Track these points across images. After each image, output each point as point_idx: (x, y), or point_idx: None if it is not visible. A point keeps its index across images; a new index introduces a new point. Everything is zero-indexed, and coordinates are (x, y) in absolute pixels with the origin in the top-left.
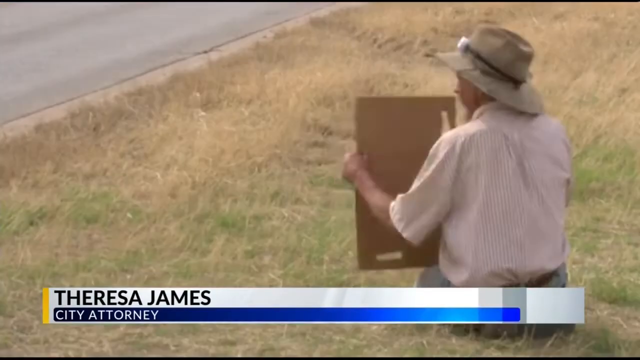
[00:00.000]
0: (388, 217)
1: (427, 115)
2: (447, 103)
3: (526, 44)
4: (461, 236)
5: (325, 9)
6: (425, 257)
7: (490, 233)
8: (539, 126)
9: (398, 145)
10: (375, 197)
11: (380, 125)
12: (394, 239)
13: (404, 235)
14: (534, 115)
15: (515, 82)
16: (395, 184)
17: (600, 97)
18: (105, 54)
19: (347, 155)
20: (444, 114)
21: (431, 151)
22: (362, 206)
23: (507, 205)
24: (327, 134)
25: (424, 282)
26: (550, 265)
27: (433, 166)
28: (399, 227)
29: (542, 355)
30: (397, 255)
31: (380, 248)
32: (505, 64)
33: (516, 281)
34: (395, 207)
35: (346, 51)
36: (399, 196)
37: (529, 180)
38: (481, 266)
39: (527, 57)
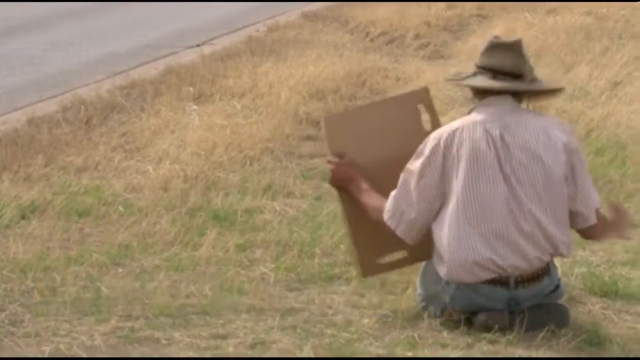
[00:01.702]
0: (385, 222)
1: (403, 113)
2: (420, 95)
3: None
4: (443, 228)
5: (318, 3)
6: (429, 251)
7: (471, 224)
8: (525, 121)
9: (380, 153)
10: (373, 200)
11: (356, 139)
12: (393, 239)
13: (397, 232)
14: (530, 114)
15: (494, 71)
16: (386, 190)
17: (592, 90)
18: (98, 47)
19: (334, 161)
20: (421, 107)
21: (419, 147)
22: (352, 213)
23: (487, 198)
24: (319, 127)
25: (422, 279)
26: (535, 262)
27: (419, 163)
28: (391, 224)
29: (533, 349)
30: (400, 254)
31: (379, 251)
32: (480, 55)
33: (505, 274)
34: (387, 205)
35: (338, 45)
36: (391, 194)
37: (507, 173)
38: (464, 256)
39: (501, 45)
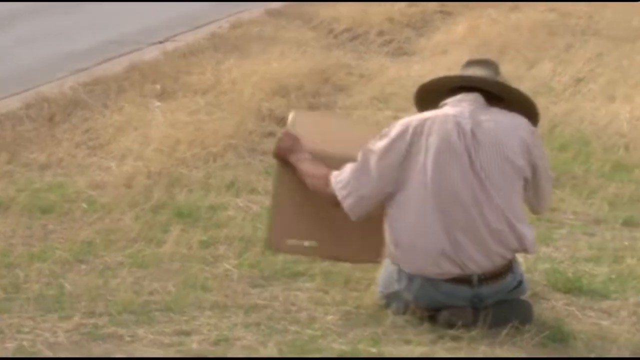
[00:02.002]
0: (327, 184)
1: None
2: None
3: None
4: (406, 219)
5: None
6: (340, 249)
7: (437, 216)
8: (496, 120)
9: (335, 151)
10: (319, 168)
11: (316, 134)
12: (310, 227)
13: (344, 203)
14: (500, 111)
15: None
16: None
17: (556, 87)
18: (61, 44)
19: (281, 133)
20: None
21: (383, 130)
22: (285, 189)
23: (455, 191)
24: (282, 124)
25: (382, 277)
26: (497, 260)
27: (382, 144)
28: (340, 194)
29: (497, 345)
30: (309, 243)
31: (293, 233)
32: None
33: (467, 272)
34: (341, 175)
35: (302, 41)
36: (347, 165)
37: (477, 169)
38: (429, 246)
39: (477, 60)
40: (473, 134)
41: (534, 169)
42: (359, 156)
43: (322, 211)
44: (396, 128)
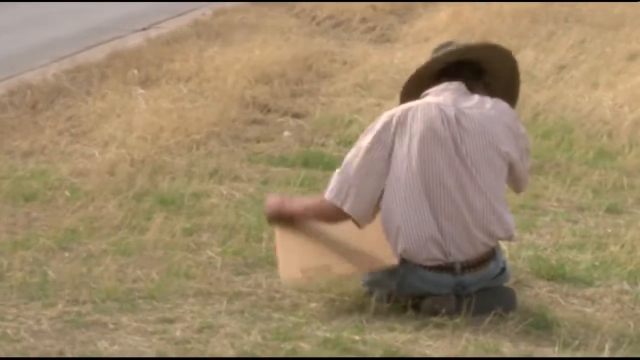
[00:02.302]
0: (324, 204)
1: None
2: None
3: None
4: (396, 204)
5: None
6: (353, 263)
7: (424, 201)
8: (480, 107)
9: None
10: (307, 202)
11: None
12: (318, 254)
13: (345, 209)
14: (482, 98)
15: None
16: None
17: (538, 74)
18: (44, 31)
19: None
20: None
21: (369, 125)
22: (285, 232)
23: (441, 176)
24: (265, 111)
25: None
26: (480, 247)
27: (369, 138)
28: (337, 202)
29: (480, 332)
30: (321, 266)
31: (304, 264)
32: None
33: (450, 260)
34: (330, 186)
35: (285, 29)
36: (334, 173)
37: (462, 155)
38: (419, 231)
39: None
40: (457, 120)
41: (520, 152)
42: (345, 160)
43: (323, 237)
44: (380, 121)
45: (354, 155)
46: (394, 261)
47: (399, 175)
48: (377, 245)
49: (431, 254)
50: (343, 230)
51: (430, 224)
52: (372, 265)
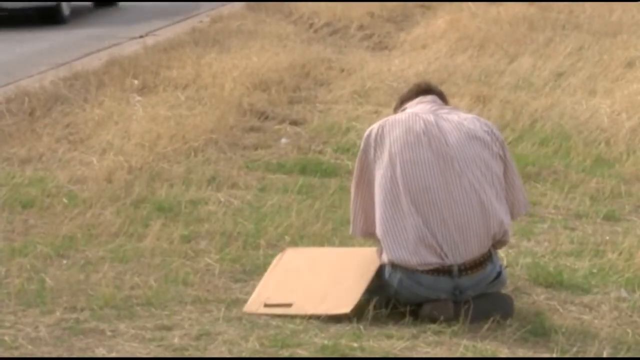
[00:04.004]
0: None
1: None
2: None
3: None
4: (385, 210)
5: None
6: (315, 307)
7: (411, 206)
8: (457, 112)
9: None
10: None
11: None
12: (288, 292)
13: (358, 235)
14: (455, 108)
15: None
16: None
17: (536, 81)
18: (41, 38)
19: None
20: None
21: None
22: (276, 271)
23: (424, 181)
24: (263, 118)
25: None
26: (476, 248)
27: (358, 162)
28: (352, 231)
29: (478, 339)
30: (283, 304)
31: (271, 299)
32: None
33: (447, 262)
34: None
35: (282, 35)
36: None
37: (447, 156)
38: (407, 236)
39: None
40: (437, 123)
41: (503, 151)
42: (352, 192)
43: (306, 276)
44: (364, 140)
45: (353, 180)
46: (350, 314)
47: (383, 184)
48: (343, 294)
49: (424, 259)
50: (321, 277)
51: (418, 229)
52: (329, 312)
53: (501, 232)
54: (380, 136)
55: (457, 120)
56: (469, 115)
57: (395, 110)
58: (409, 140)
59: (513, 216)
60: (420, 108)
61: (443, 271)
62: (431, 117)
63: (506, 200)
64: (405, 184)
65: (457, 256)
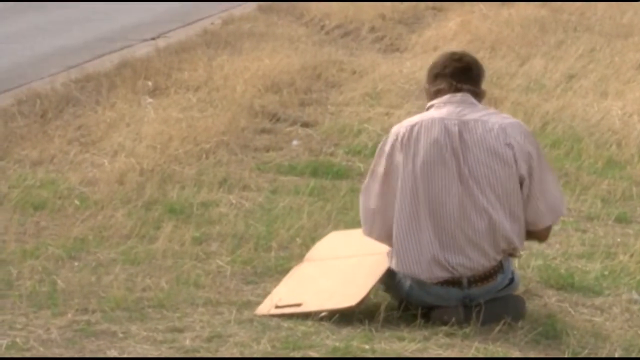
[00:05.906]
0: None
1: None
2: None
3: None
4: (402, 223)
5: None
6: (322, 303)
7: (428, 221)
8: (484, 120)
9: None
10: None
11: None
12: (298, 292)
13: (374, 237)
14: (490, 111)
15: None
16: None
17: (547, 83)
18: (52, 40)
19: None
20: None
21: (379, 146)
22: (298, 273)
23: (442, 196)
24: (274, 120)
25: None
26: (485, 262)
27: (382, 160)
28: (367, 233)
29: (489, 342)
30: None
31: (283, 300)
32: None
33: (457, 275)
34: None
35: (294, 37)
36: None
37: (464, 174)
38: (420, 253)
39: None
40: (460, 134)
41: (527, 168)
42: (362, 187)
43: (318, 279)
44: (389, 140)
45: (371, 182)
46: (356, 306)
47: (405, 193)
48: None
49: (434, 274)
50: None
51: (432, 245)
52: (336, 308)
53: (510, 249)
54: (407, 141)
55: (481, 133)
56: (496, 124)
57: (428, 84)
58: (430, 153)
59: (538, 225)
60: (447, 111)
61: (453, 282)
62: (455, 129)
63: (527, 214)
64: (426, 197)
65: (466, 270)
